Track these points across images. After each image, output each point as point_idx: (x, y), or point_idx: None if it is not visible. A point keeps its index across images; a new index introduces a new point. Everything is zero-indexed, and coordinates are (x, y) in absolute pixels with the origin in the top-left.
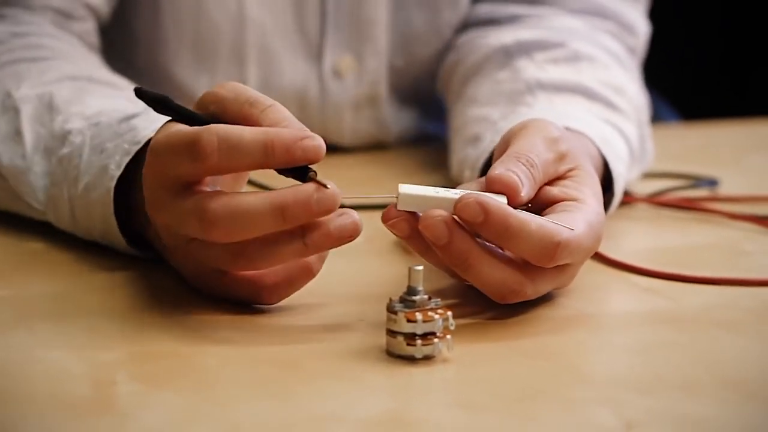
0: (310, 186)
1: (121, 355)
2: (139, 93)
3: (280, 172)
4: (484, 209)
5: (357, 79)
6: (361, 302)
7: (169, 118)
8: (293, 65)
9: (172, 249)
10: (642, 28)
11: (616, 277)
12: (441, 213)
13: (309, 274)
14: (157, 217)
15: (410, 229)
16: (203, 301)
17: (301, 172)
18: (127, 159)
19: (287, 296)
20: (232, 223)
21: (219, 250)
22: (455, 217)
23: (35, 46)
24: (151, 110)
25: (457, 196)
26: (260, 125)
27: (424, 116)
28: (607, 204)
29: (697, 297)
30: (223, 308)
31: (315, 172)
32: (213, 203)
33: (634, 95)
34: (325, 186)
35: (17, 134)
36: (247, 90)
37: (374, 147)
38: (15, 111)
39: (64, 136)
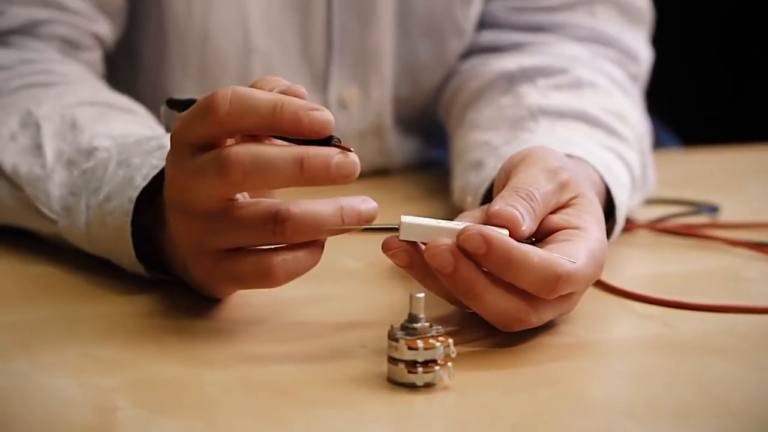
0: (333, 149)
1: (122, 382)
2: (170, 102)
3: (307, 142)
4: (487, 241)
5: (362, 110)
6: (362, 329)
7: None
8: None
9: (189, 227)
10: (644, 55)
11: (616, 304)
12: (446, 242)
13: (317, 253)
14: (172, 182)
15: (410, 259)
16: (204, 328)
17: (325, 142)
18: (154, 172)
19: (294, 278)
20: (252, 165)
21: (259, 219)
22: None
23: (46, 72)
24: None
25: (458, 227)
26: None
27: (427, 143)
28: (608, 231)
29: (696, 324)
30: (222, 333)
31: (339, 139)
32: (233, 149)
33: (637, 122)
34: (349, 150)
35: (37, 148)
36: (271, 80)
37: (377, 173)
38: (36, 127)
39: (90, 152)
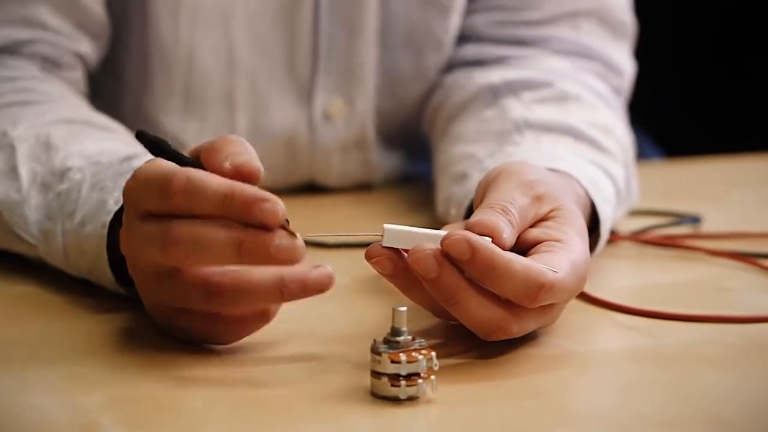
0: (276, 232)
1: (105, 399)
2: (139, 135)
3: None
4: (472, 246)
5: (346, 122)
6: (345, 343)
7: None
8: (283, 109)
9: (139, 280)
10: (627, 68)
11: (599, 316)
12: (431, 247)
13: (266, 318)
14: (124, 240)
15: (393, 267)
16: (185, 344)
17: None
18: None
19: (243, 337)
20: (193, 246)
21: (194, 288)
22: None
23: (26, 90)
24: (147, 152)
25: (442, 234)
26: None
27: (410, 157)
28: (593, 245)
29: (679, 334)
30: (206, 349)
31: (288, 221)
32: (176, 226)
33: (622, 135)
34: (293, 234)
35: (12, 170)
36: (232, 144)
37: (360, 187)
38: (11, 149)
39: (63, 173)
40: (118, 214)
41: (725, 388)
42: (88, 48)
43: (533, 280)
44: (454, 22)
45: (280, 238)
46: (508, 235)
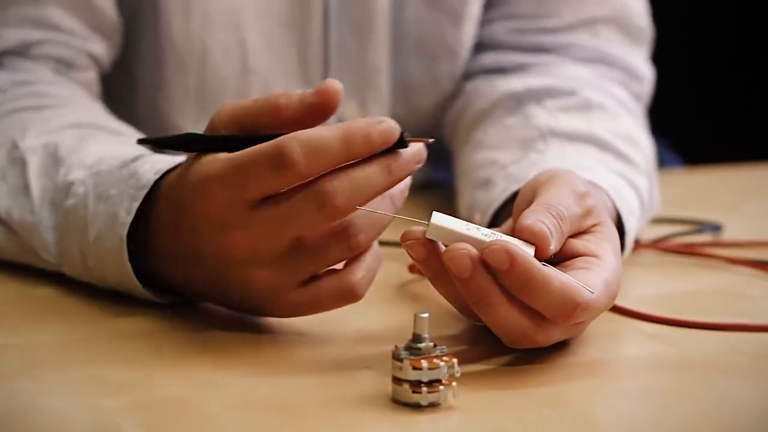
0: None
1: (125, 402)
2: (147, 141)
3: None
4: (511, 258)
5: None
6: (366, 349)
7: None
8: None
9: (247, 269)
10: (647, 73)
11: (622, 324)
12: (467, 247)
13: (380, 255)
14: (234, 244)
15: (427, 254)
16: (206, 347)
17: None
18: (136, 204)
19: (370, 285)
20: (352, 190)
21: (332, 235)
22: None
23: (39, 94)
24: (149, 153)
25: (485, 237)
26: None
27: (427, 165)
28: None
29: (700, 343)
30: (225, 353)
31: (408, 134)
32: (327, 182)
33: (645, 145)
34: (426, 140)
35: (25, 188)
36: (256, 98)
37: None
38: (23, 163)
39: (67, 188)
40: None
41: (745, 396)
42: (101, 48)
43: (570, 298)
44: (468, 32)
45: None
46: (555, 246)
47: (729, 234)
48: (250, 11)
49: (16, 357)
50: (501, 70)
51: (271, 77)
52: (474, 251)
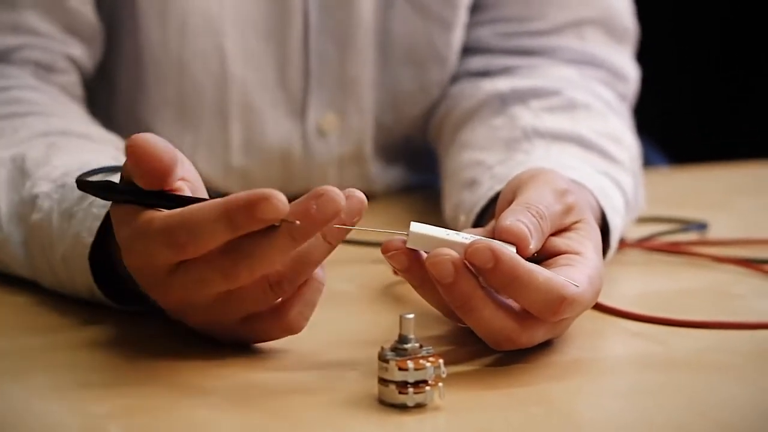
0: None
1: (114, 408)
2: (81, 185)
3: None
4: (495, 256)
5: (341, 137)
6: (352, 351)
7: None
8: (277, 123)
9: (186, 311)
10: (632, 73)
11: (607, 323)
12: (449, 252)
13: (320, 286)
14: (155, 294)
15: (409, 262)
16: (194, 352)
17: None
18: (97, 224)
19: (309, 317)
20: (255, 260)
21: (259, 290)
22: (464, 260)
23: (14, 101)
24: (113, 167)
25: (466, 241)
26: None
27: (411, 170)
28: (603, 253)
29: (688, 341)
30: (213, 357)
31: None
32: (226, 257)
33: (630, 144)
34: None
35: None
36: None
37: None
38: None
39: (33, 201)
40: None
41: (733, 394)
42: (80, 52)
43: (555, 293)
44: (457, 37)
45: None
46: (535, 245)
47: (715, 232)
48: (228, 19)
49: (4, 362)
50: (487, 73)
51: (250, 86)
52: (456, 256)
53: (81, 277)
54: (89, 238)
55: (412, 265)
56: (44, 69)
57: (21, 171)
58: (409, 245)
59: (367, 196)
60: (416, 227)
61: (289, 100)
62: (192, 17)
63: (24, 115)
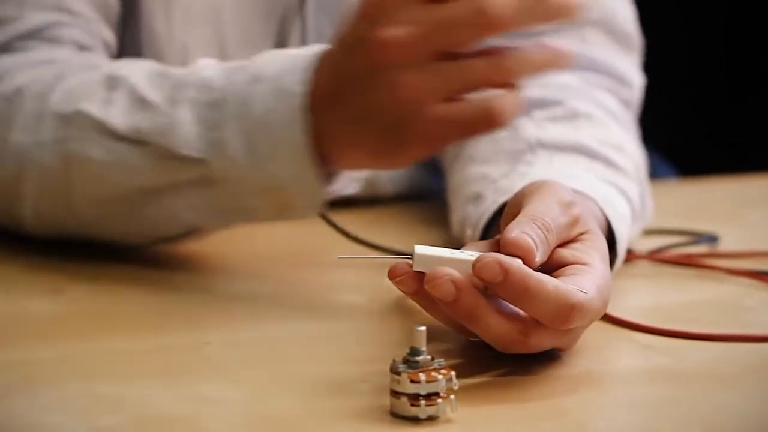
0: None
1: (123, 419)
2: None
3: None
4: (504, 269)
5: None
6: (364, 363)
7: None
8: None
9: (367, 89)
10: (636, 80)
11: (618, 335)
12: (447, 271)
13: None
14: (387, 32)
15: (416, 286)
16: (204, 364)
17: None
18: (304, 75)
19: None
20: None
21: None
22: (472, 276)
23: (95, 62)
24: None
25: (472, 258)
26: None
27: (418, 173)
28: (610, 265)
29: (698, 354)
30: (224, 370)
31: None
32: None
33: (634, 152)
34: None
35: (141, 101)
36: None
37: (366, 203)
38: (128, 85)
39: (204, 83)
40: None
41: (743, 407)
42: (110, 36)
43: (565, 301)
44: None
45: None
46: (540, 258)
47: (726, 245)
48: (228, 5)
49: (14, 374)
50: None
51: None
52: (455, 274)
53: (281, 127)
54: (300, 87)
55: (420, 288)
56: (83, 49)
57: (160, 74)
58: (415, 268)
59: (372, 202)
60: (420, 249)
61: None
62: (195, 6)
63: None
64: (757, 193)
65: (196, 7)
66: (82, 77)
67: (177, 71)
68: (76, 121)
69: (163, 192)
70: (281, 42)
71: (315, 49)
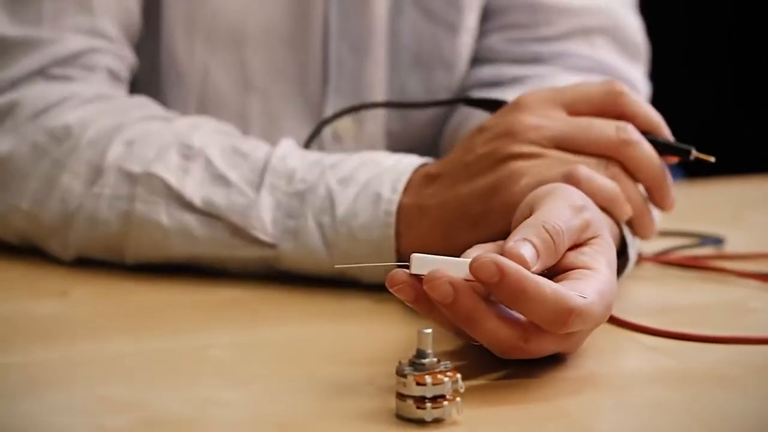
0: None
1: (131, 422)
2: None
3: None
4: (501, 270)
5: (356, 142)
6: (370, 365)
7: None
8: (295, 129)
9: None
10: (643, 87)
11: (623, 337)
12: (445, 273)
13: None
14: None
15: (415, 293)
16: (211, 366)
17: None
18: (400, 186)
19: None
20: None
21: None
22: (470, 277)
23: (148, 104)
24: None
25: (469, 261)
26: None
27: None
28: (621, 269)
29: (704, 356)
30: (232, 371)
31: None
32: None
33: None
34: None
35: (220, 178)
36: None
37: None
38: (204, 157)
39: (289, 175)
40: None
41: (750, 409)
42: (132, 58)
43: (563, 304)
44: (465, 43)
45: None
46: (543, 264)
47: (732, 246)
48: (251, 29)
49: (20, 376)
50: (498, 84)
51: (271, 95)
52: (453, 276)
53: (366, 232)
54: (394, 195)
55: (419, 294)
56: (114, 77)
57: (234, 151)
58: (413, 272)
59: None
60: (418, 255)
61: (308, 107)
62: (218, 31)
63: (175, 117)
64: (763, 195)
65: (220, 31)
66: (143, 131)
67: (252, 151)
68: (146, 182)
69: (222, 261)
70: (303, 68)
71: (409, 159)
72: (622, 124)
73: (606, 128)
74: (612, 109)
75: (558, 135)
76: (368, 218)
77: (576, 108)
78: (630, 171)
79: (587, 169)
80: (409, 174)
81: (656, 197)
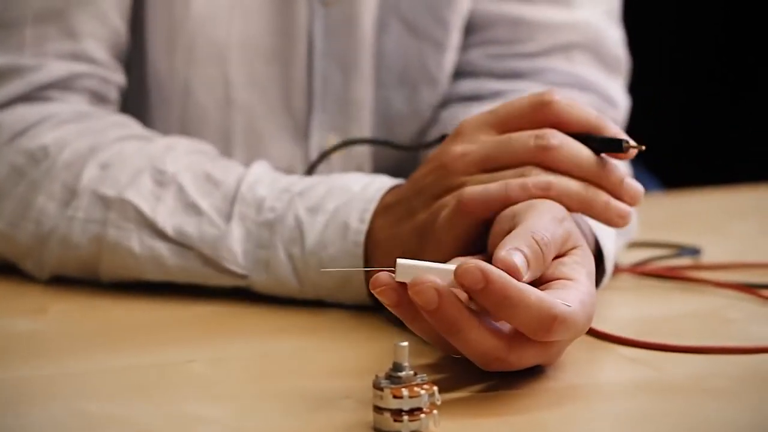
0: None
1: None
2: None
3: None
4: (485, 276)
5: (343, 159)
6: (347, 379)
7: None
8: (280, 146)
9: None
10: (622, 101)
11: (601, 348)
12: (431, 279)
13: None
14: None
15: (398, 298)
16: (191, 382)
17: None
18: (368, 215)
19: None
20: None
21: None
22: (455, 283)
23: (124, 124)
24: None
25: (453, 267)
26: None
27: None
28: (597, 281)
29: (683, 366)
30: (211, 386)
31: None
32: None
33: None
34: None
35: (191, 207)
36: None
37: None
38: (177, 185)
39: (258, 204)
40: None
41: (728, 419)
42: (121, 79)
43: (547, 311)
44: (450, 59)
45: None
46: (533, 275)
47: (709, 257)
48: (233, 45)
49: (5, 392)
50: (477, 98)
51: (254, 111)
52: (438, 282)
53: (336, 264)
54: (362, 225)
55: (402, 300)
56: (98, 99)
57: (207, 179)
58: (398, 279)
59: None
60: (404, 261)
61: (293, 123)
62: (199, 46)
63: (152, 137)
64: (741, 205)
65: (200, 47)
66: (118, 153)
67: (224, 177)
68: (118, 208)
69: (194, 285)
70: (286, 85)
71: (377, 185)
72: (541, 131)
73: (523, 139)
74: (543, 119)
75: (481, 158)
76: (337, 250)
77: (508, 125)
78: (560, 173)
79: (471, 188)
80: (377, 202)
81: (607, 191)
